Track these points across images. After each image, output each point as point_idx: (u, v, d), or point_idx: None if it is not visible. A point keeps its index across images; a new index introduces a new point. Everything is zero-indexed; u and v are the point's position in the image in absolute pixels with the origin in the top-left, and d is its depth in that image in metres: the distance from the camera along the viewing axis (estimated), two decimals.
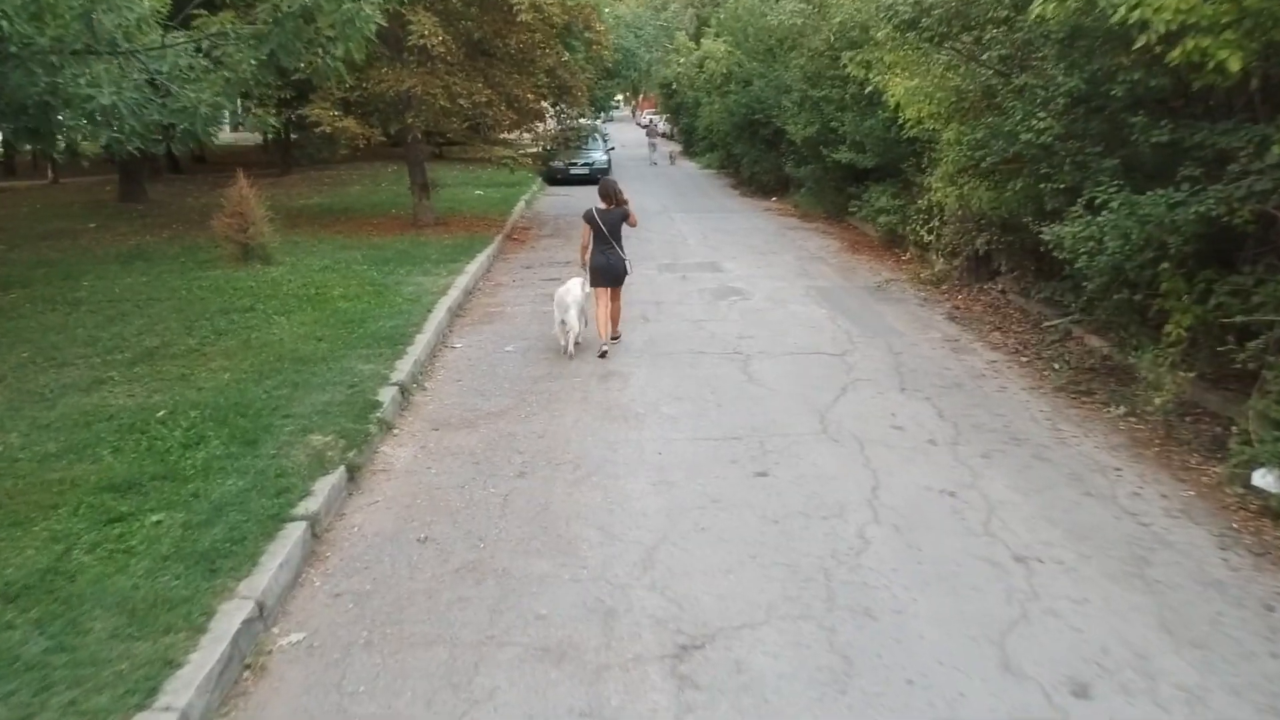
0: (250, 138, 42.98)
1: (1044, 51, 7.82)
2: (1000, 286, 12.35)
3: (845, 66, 13.59)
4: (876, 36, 10.61)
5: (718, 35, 33.04)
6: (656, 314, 11.77)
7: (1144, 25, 5.69)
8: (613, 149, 33.55)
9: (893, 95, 10.85)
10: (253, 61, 7.54)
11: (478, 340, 10.60)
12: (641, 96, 74.80)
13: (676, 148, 47.88)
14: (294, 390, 8.00)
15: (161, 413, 7.39)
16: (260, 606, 4.80)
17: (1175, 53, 5.75)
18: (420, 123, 16.76)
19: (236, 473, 6.27)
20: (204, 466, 6.35)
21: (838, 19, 13.95)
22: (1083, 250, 7.00)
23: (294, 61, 7.83)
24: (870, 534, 5.82)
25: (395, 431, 7.67)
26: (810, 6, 14.80)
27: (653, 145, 44.12)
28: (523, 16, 15.64)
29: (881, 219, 14.89)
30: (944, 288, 13.02)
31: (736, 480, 6.66)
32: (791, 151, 21.00)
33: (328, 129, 16.02)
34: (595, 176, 29.21)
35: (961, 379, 9.10)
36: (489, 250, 15.77)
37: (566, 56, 18.81)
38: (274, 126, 8.36)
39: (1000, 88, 8.29)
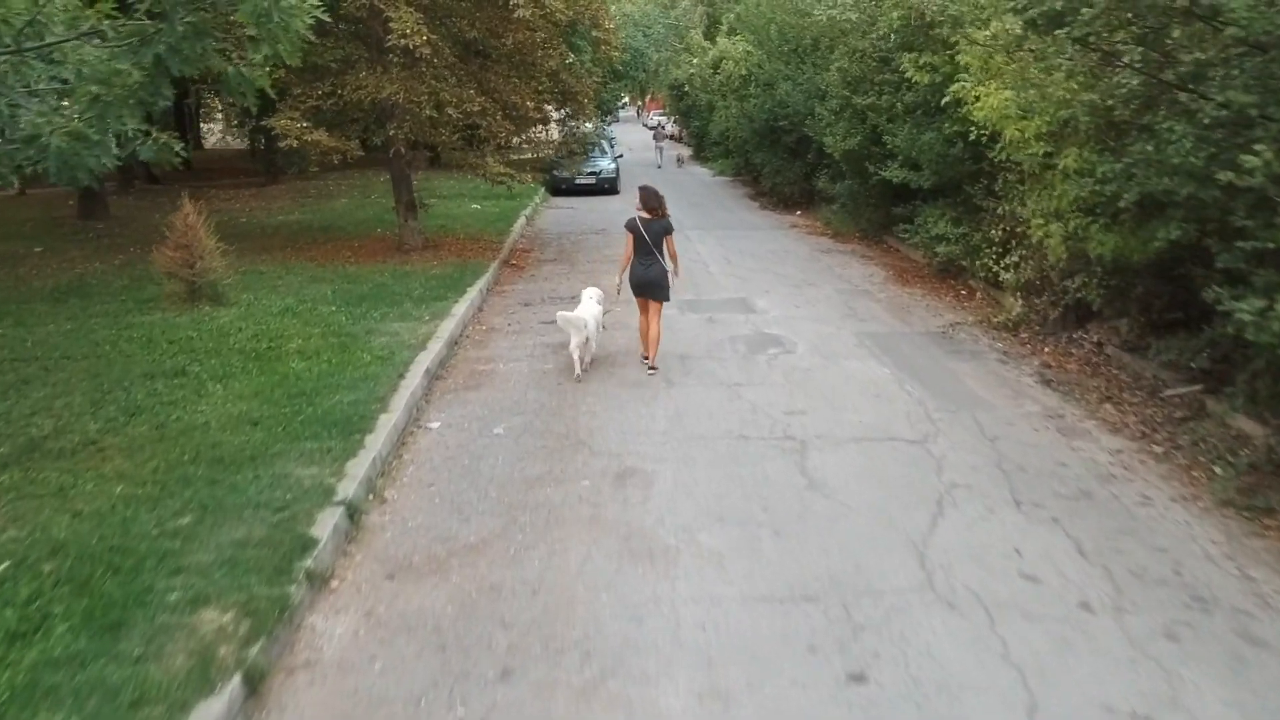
0: (238, 143, 40.92)
1: (1221, 59, 5.66)
2: (1096, 337, 10.19)
3: (904, 70, 11.45)
4: (974, 34, 8.45)
5: (732, 33, 30.95)
6: (682, 374, 9.62)
7: None
8: (621, 156, 31.36)
9: (979, 108, 8.68)
10: (139, 71, 5.39)
11: (460, 416, 8.46)
12: (649, 97, 72.73)
13: (686, 151, 45.83)
14: (200, 518, 5.88)
15: (4, 565, 5.27)
16: None
17: None
18: (403, 135, 14.62)
19: (73, 696, 4.15)
20: (26, 684, 4.23)
21: (896, 13, 11.77)
22: None
23: (191, 68, 5.69)
24: None
25: (333, 584, 5.53)
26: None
27: (660, 148, 42.12)
28: (521, 13, 13.50)
29: (940, 248, 12.73)
30: (1023, 335, 10.86)
31: (822, 691, 4.51)
32: (825, 164, 18.84)
33: (294, 143, 13.88)
34: (602, 186, 27.22)
35: (1087, 483, 6.94)
36: (481, 283, 13.63)
37: (571, 59, 16.68)
38: (180, 156, 6.15)
39: (1168, 103, 6.09)
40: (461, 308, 11.94)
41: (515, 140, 15.88)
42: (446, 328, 10.89)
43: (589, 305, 9.75)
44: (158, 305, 11.83)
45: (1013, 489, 6.79)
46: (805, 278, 14.63)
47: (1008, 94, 8.12)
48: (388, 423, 7.71)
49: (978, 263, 11.81)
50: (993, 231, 11.25)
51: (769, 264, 15.89)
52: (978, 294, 12.46)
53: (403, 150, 15.01)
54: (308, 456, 6.91)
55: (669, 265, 9.67)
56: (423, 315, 11.45)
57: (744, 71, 24.64)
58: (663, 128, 49.84)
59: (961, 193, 12.72)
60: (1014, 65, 7.82)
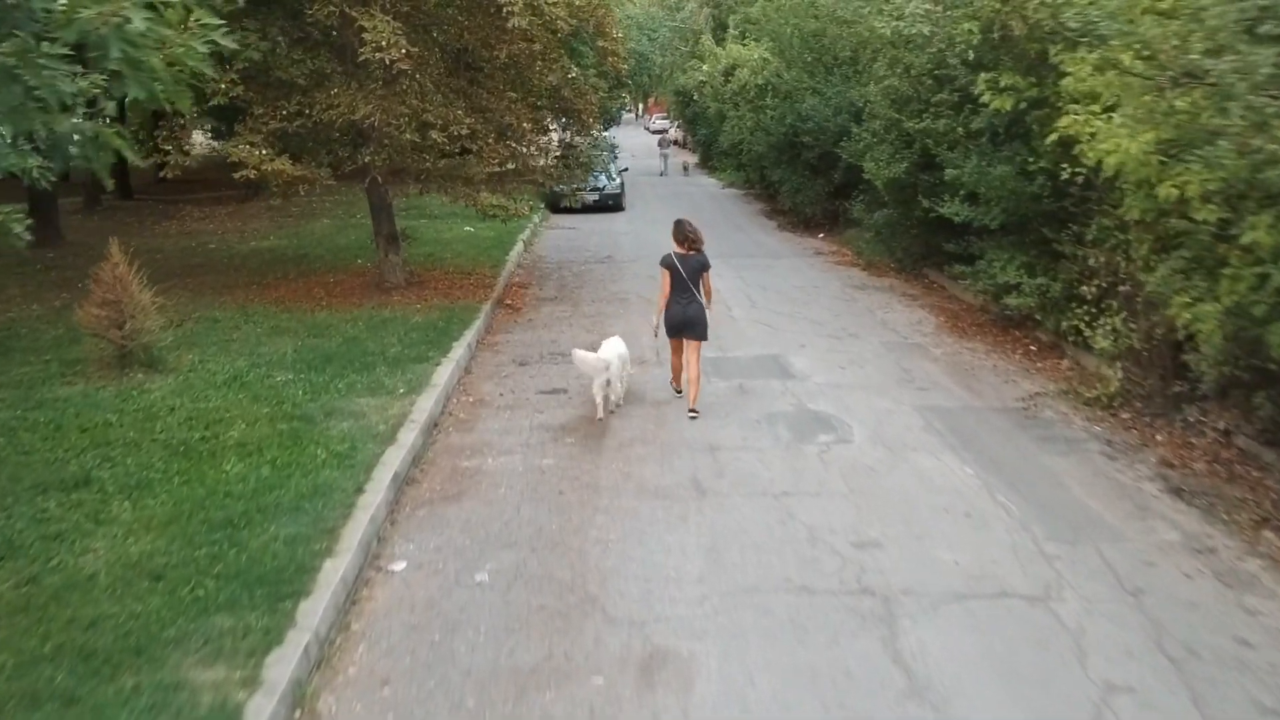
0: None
1: None
2: (1221, 424, 8.27)
3: (978, 92, 9.53)
4: (1119, 55, 6.49)
5: (744, 37, 29.07)
6: (714, 476, 7.70)
7: None
8: (625, 170, 29.37)
9: (1105, 150, 6.74)
10: None
11: (433, 550, 6.54)
12: (652, 100, 70.89)
13: (691, 158, 44.17)
14: None
15: None
16: None
17: None
18: (382, 161, 12.70)
19: None
20: None
21: (968, 25, 9.81)
22: None
23: (7, 125, 3.75)
24: None
25: None
26: (939, 8, 10.62)
27: (664, 155, 40.62)
28: (515, 21, 11.58)
29: (1012, 300, 10.77)
30: (1123, 414, 8.95)
31: None
32: (858, 187, 16.89)
33: (252, 173, 11.95)
34: (606, 203, 25.43)
35: None
36: (470, 334, 11.72)
37: (574, 72, 14.74)
38: (21, 239, 4.24)
39: None
40: (445, 373, 10.03)
41: (510, 166, 13.90)
42: (425, 405, 8.99)
43: (615, 346, 9.17)
44: (82, 371, 9.91)
45: (1195, 696, 4.87)
46: (844, 325, 12.71)
47: (1148, 136, 6.20)
48: (334, 573, 5.80)
49: (1064, 323, 9.86)
50: (1084, 287, 9.31)
51: (799, 305, 13.96)
52: (1064, 361, 10.51)
53: (379, 180, 13.07)
54: (215, 645, 5.00)
55: (704, 301, 9.20)
56: (397, 385, 9.54)
57: (760, 81, 22.69)
58: (668, 133, 48.16)
59: (1032, 233, 10.81)
60: (1154, 99, 5.90)
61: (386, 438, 8.09)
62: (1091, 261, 9.21)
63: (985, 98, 9.33)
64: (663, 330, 9.39)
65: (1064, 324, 9.77)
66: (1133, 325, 8.86)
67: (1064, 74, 7.90)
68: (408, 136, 12.19)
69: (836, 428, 8.77)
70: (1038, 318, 10.67)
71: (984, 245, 11.91)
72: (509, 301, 14.51)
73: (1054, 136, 7.75)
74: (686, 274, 9.03)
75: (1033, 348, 11.30)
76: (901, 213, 14.34)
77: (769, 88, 22.11)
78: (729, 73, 27.25)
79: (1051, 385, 9.93)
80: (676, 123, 54.24)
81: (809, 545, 6.50)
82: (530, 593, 5.92)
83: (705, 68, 29.92)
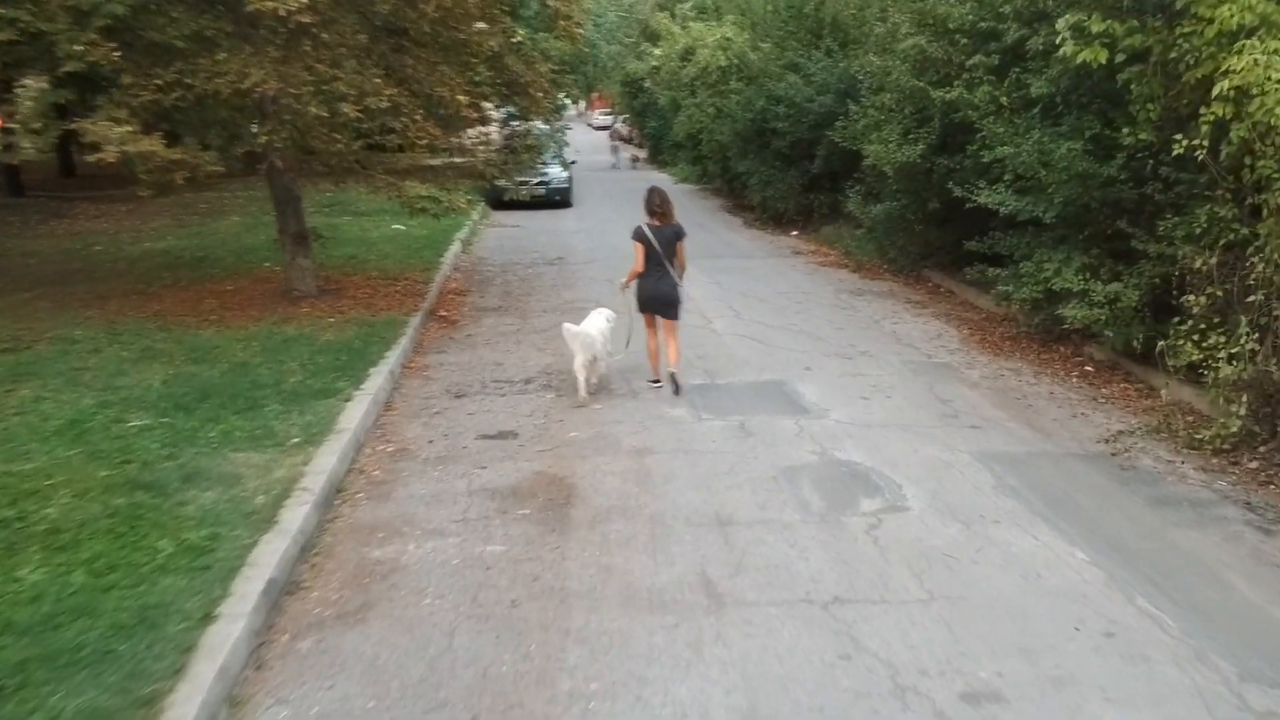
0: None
1: None
2: None
3: (1060, 43, 7.35)
4: None
5: (695, 20, 26.96)
6: (730, 570, 5.44)
7: None
8: (574, 162, 27.01)
9: None
10: None
11: None
12: (595, 95, 68.46)
13: (641, 152, 42.56)
14: None
15: None
16: None
17: None
18: (281, 140, 10.22)
19: None
20: None
21: None
22: None
23: None
24: None
25: None
26: None
27: (615, 147, 39.20)
28: None
29: (1072, 311, 8.60)
30: (1249, 462, 6.87)
31: None
32: (855, 180, 14.65)
33: (111, 155, 9.38)
34: (553, 198, 23.20)
35: None
36: (395, 354, 9.37)
37: (519, 36, 12.40)
38: None
39: None
40: (357, 412, 7.67)
41: (444, 158, 11.55)
42: (325, 462, 6.63)
43: (596, 321, 8.61)
44: None
45: None
46: (850, 340, 10.53)
47: None
48: None
49: (1159, 342, 7.70)
50: (1191, 297, 7.19)
51: (790, 315, 11.76)
52: (1135, 387, 8.45)
53: (279, 164, 10.59)
54: None
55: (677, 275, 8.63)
56: (290, 431, 7.16)
57: (724, 62, 20.48)
58: (616, 128, 46.42)
59: (1091, 226, 8.74)
60: None
61: (264, 518, 5.71)
62: (1199, 264, 7.10)
63: (1066, 49, 7.18)
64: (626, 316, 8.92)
65: (1159, 343, 7.63)
66: (1257, 347, 6.78)
67: (1185, 11, 5.79)
68: (313, 110, 9.75)
69: (882, 488, 6.55)
70: (1108, 333, 8.54)
71: (1015, 242, 9.84)
72: (443, 312, 12.11)
73: (1225, 84, 5.63)
74: (660, 246, 8.48)
75: (1088, 368, 9.24)
76: (909, 204, 12.21)
77: (733, 69, 19.90)
78: (687, 55, 25.00)
79: (1134, 420, 7.84)
80: (622, 117, 52.15)
81: (896, 701, 4.26)
82: None
83: (659, 51, 27.60)
